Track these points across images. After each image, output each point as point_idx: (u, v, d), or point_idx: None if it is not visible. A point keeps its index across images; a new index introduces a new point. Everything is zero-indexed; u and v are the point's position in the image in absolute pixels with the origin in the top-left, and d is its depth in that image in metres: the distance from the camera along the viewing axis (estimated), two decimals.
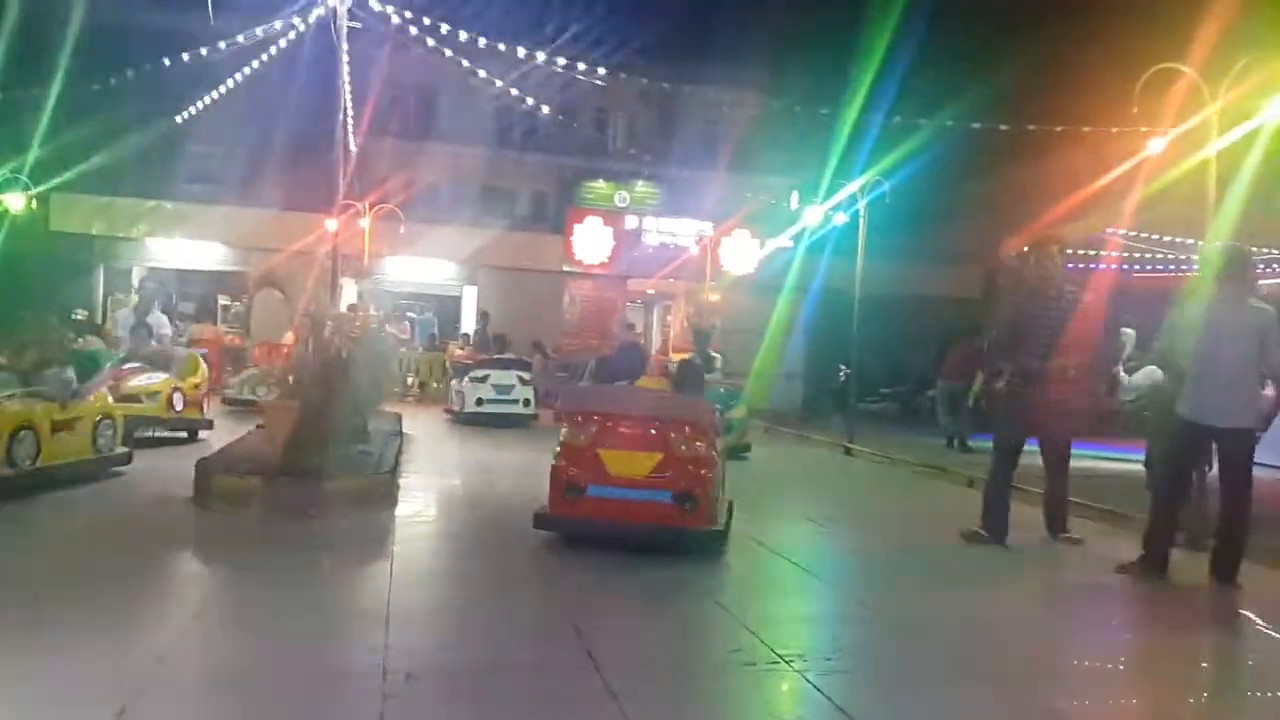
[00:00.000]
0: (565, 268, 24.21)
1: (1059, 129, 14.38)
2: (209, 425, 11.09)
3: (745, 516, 7.43)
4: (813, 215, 20.02)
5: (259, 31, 13.53)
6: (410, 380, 18.96)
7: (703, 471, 6.10)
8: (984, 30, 20.47)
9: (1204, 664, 4.75)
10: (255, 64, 15.01)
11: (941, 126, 15.40)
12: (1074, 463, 7.13)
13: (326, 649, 4.07)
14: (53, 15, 17.23)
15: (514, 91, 15.78)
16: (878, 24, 16.43)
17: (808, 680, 3.92)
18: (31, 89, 16.76)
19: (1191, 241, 12.27)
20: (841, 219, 16.30)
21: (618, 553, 5.95)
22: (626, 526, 6.00)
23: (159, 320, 11.84)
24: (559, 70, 14.72)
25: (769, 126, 24.28)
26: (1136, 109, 10.26)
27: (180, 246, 22.07)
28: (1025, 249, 6.88)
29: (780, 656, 4.17)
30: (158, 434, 10.20)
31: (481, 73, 14.74)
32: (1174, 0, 10.85)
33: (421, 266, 23.04)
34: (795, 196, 26.00)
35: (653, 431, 6.20)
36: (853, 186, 13.69)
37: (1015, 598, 5.76)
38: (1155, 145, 10.66)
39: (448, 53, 13.25)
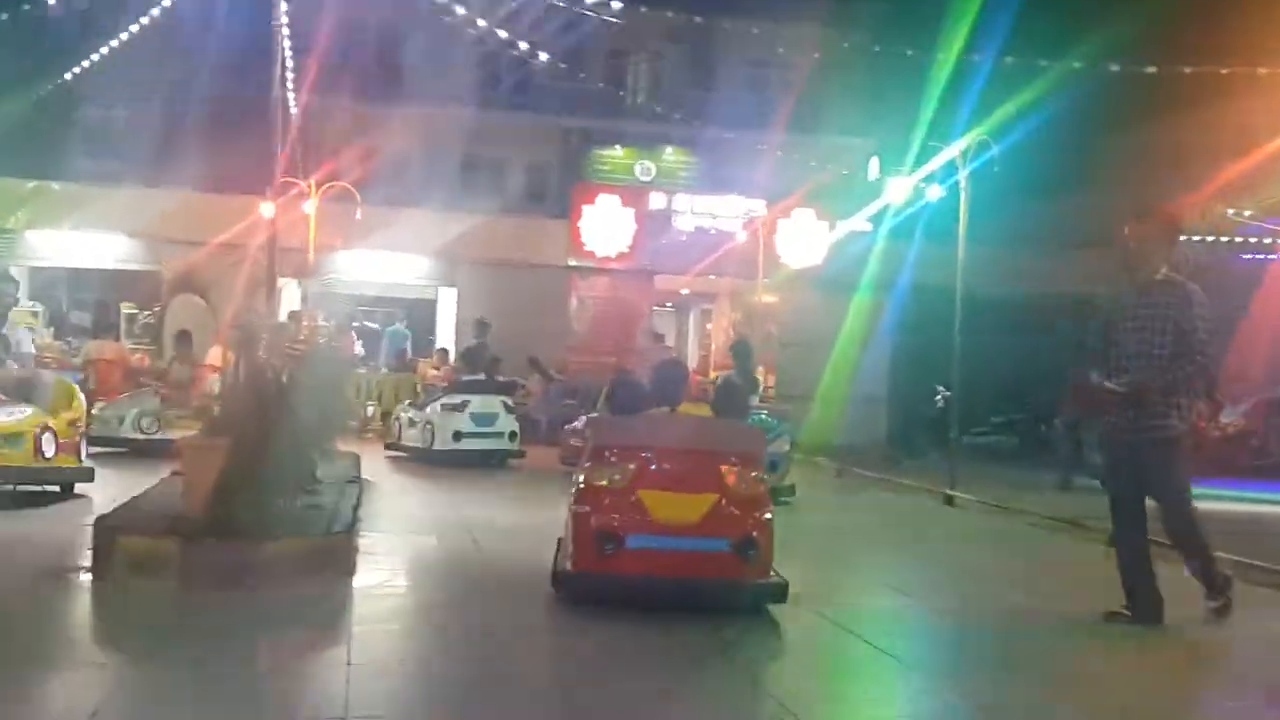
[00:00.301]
0: (572, 261, 24.34)
1: (1226, 70, 14.26)
2: (88, 476, 10.64)
3: (813, 585, 7.41)
4: (898, 189, 20.01)
5: None
6: (370, 410, 19.13)
7: (763, 514, 6.43)
8: None
9: None
10: (166, 4, 15.29)
11: (1068, 69, 15.32)
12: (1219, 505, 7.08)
13: None
14: None
15: (501, 34, 15.93)
16: None
17: None
18: None
19: None
20: (936, 193, 16.29)
21: (635, 629, 6.01)
22: (676, 583, 6.26)
23: (19, 336, 11.87)
24: (560, 4, 14.86)
25: (838, 72, 24.33)
26: None
27: (72, 239, 22.44)
28: (1127, 227, 6.76)
29: None
30: (17, 489, 9.72)
31: (459, 9, 14.91)
32: None
33: (385, 262, 23.25)
34: (874, 164, 26.06)
35: (705, 468, 6.49)
36: (951, 151, 13.69)
37: (1153, 694, 5.70)
38: None
39: None
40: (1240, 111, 15.96)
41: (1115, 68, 14.99)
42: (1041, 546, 10.82)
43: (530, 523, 9.46)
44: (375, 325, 25.34)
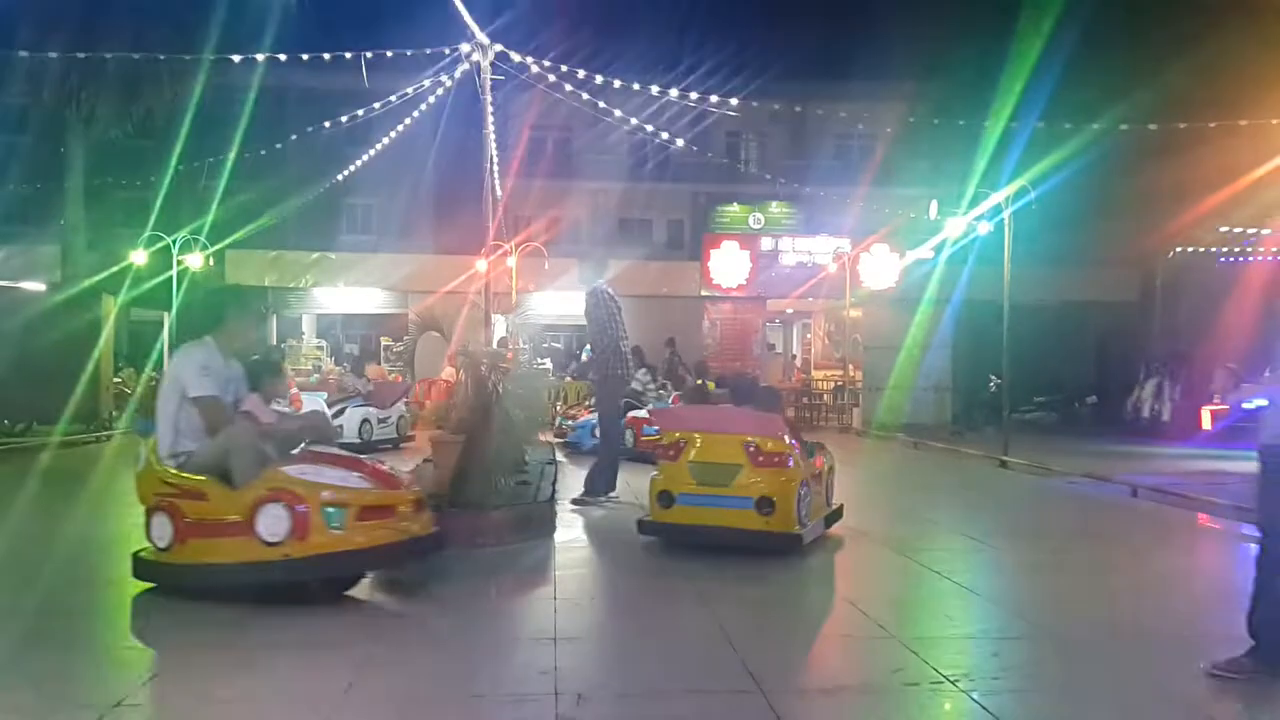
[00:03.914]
0: (703, 292, 24.38)
1: (1212, 125, 13.53)
2: None
3: (896, 531, 7.29)
4: (954, 226, 19.48)
5: (410, 90, 14.37)
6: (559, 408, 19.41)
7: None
8: (1129, 23, 19.53)
9: None
10: (407, 121, 15.91)
11: (1088, 129, 14.73)
12: None
13: (500, 671, 4.26)
14: (219, 86, 18.77)
15: (648, 128, 16.10)
16: (1018, 29, 15.93)
17: (975, 700, 3.85)
18: (206, 158, 18.31)
19: None
20: (985, 228, 15.82)
21: (761, 568, 6.00)
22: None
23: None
24: (690, 105, 14.93)
25: (905, 139, 23.85)
26: None
27: (343, 293, 23.53)
28: None
29: (945, 677, 4.10)
30: None
31: (617, 112, 15.12)
32: None
33: (565, 299, 23.67)
34: (934, 206, 25.33)
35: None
36: (997, 197, 13.27)
37: (1184, 604, 5.43)
38: None
39: (584, 96, 13.68)
40: (1223, 150, 15.13)
41: (1125, 127, 14.37)
42: (1078, 499, 10.40)
43: None
44: (559, 345, 25.81)
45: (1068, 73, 16.86)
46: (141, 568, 5.29)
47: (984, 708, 3.76)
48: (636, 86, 13.91)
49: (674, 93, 14.32)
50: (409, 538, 5.13)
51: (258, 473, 4.99)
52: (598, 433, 10.36)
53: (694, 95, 14.34)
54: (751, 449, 6.49)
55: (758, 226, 26.36)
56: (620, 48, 17.97)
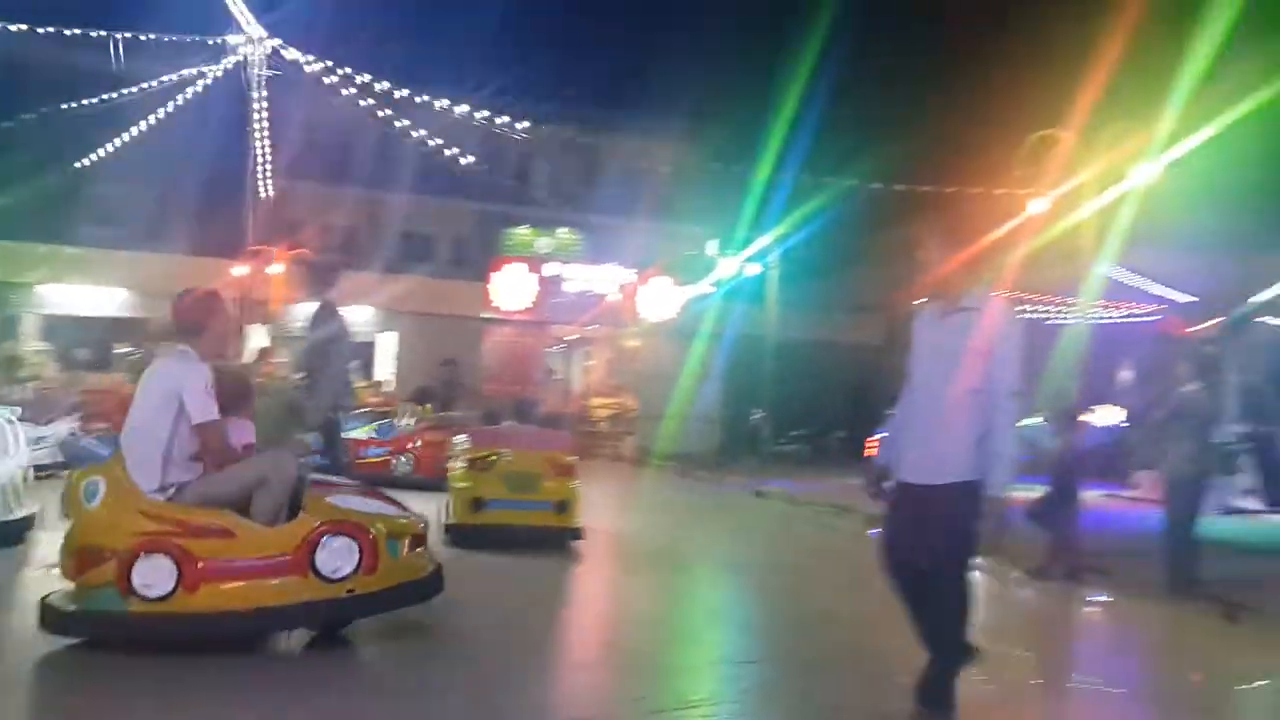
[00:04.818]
0: (486, 314, 24.16)
1: (949, 190, 15.12)
2: None
3: (655, 559, 7.50)
4: (728, 265, 20.48)
5: (172, 77, 13.36)
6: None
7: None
8: (887, 94, 21.47)
9: None
10: (166, 108, 14.78)
11: (845, 185, 16.00)
12: None
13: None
14: None
15: (433, 141, 15.85)
16: (787, 84, 17.04)
17: None
18: None
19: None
20: (755, 269, 16.77)
21: (517, 594, 5.99)
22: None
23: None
24: (481, 123, 14.86)
25: (689, 177, 24.82)
26: (1019, 172, 10.95)
27: (79, 292, 21.28)
28: None
29: (687, 703, 4.23)
30: None
31: (404, 121, 14.79)
32: (1052, 75, 11.63)
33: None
34: (712, 245, 26.56)
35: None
36: (764, 240, 14.12)
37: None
38: (1036, 205, 11.39)
39: (367, 101, 13.27)
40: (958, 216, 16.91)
41: (876, 185, 15.77)
42: (821, 526, 11.10)
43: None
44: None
45: (826, 130, 18.25)
46: (97, 624, 4.34)
47: None
48: (422, 99, 13.66)
49: (462, 109, 14.20)
50: (437, 566, 4.86)
51: (283, 507, 4.48)
52: None
53: (484, 113, 14.27)
54: (552, 462, 7.93)
55: (545, 251, 26.48)
56: (418, 58, 17.63)
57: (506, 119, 14.88)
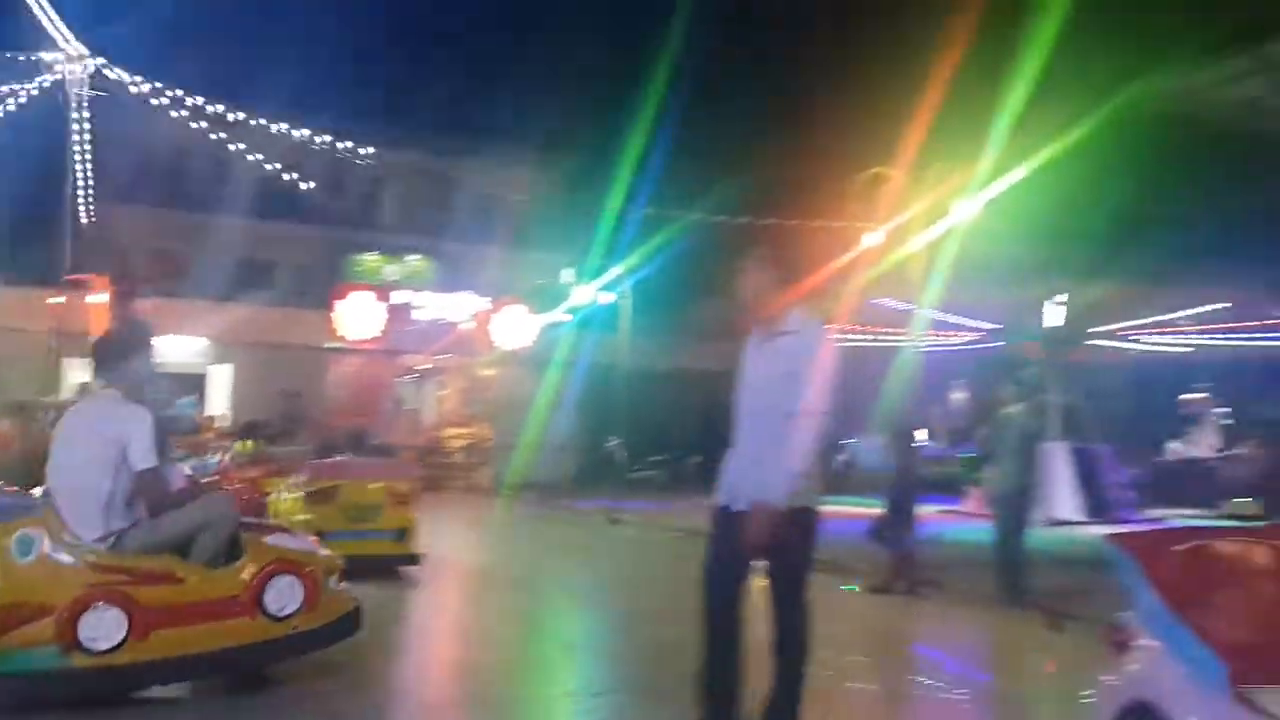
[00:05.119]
0: (331, 344, 23.35)
1: (792, 222, 15.80)
2: None
3: (509, 590, 7.41)
4: (582, 294, 20.62)
5: None
6: None
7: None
8: (734, 131, 22.31)
9: None
10: None
11: (692, 218, 16.48)
12: None
13: None
14: None
15: (270, 166, 15.29)
16: (638, 118, 17.43)
17: None
18: None
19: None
20: (609, 298, 16.96)
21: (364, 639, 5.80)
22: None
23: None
24: (322, 146, 14.45)
25: (544, 206, 24.91)
26: (853, 206, 11.64)
27: None
28: None
29: None
30: None
31: (239, 145, 14.20)
32: (884, 117, 12.42)
33: (168, 344, 21.33)
34: (568, 274, 26.69)
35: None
36: (618, 269, 14.34)
37: None
38: (871, 238, 12.13)
39: (200, 124, 12.68)
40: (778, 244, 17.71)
41: (720, 218, 16.33)
42: (673, 551, 11.24)
43: None
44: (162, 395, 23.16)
45: (677, 163, 18.76)
46: (32, 685, 4.09)
47: None
48: (261, 122, 13.17)
49: (303, 133, 13.77)
50: (358, 602, 4.96)
51: (223, 549, 4.50)
52: None
53: (325, 137, 13.88)
54: (390, 491, 8.08)
55: (395, 279, 25.90)
56: (258, 80, 16.92)
57: (349, 144, 14.51)
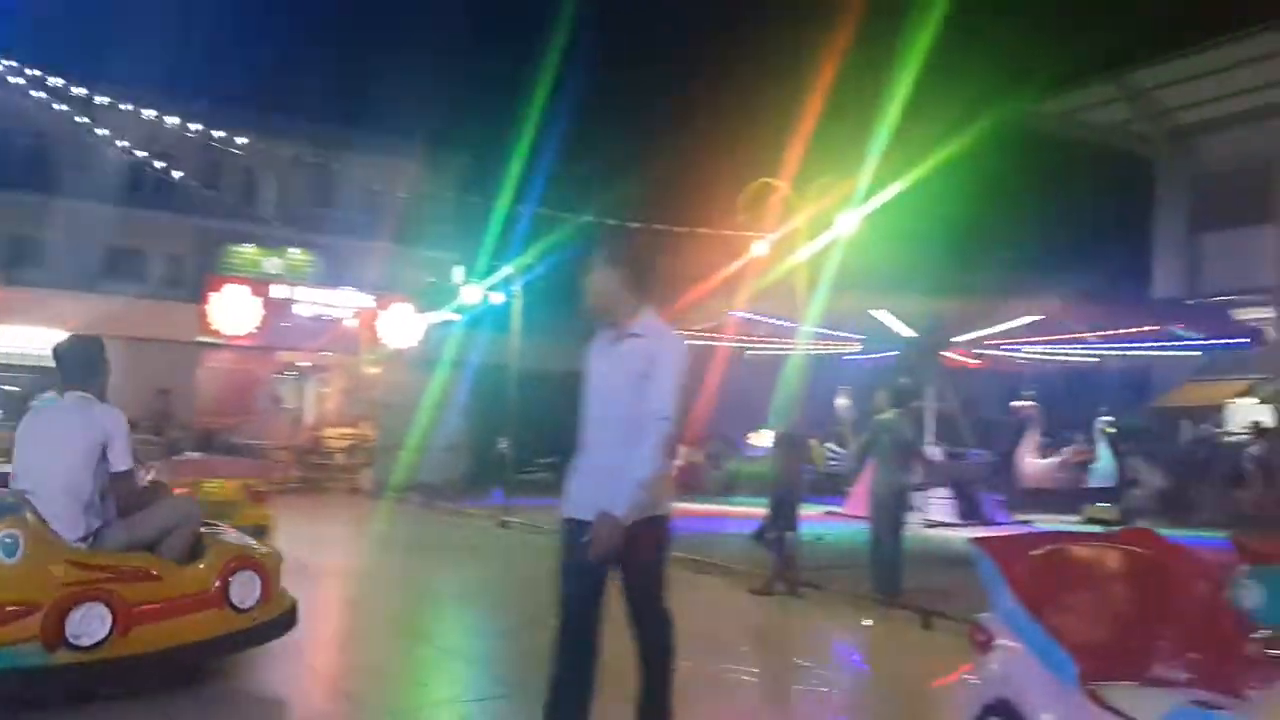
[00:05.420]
0: (204, 338, 22.37)
1: (682, 230, 16.04)
2: None
3: (387, 595, 7.25)
4: (471, 293, 20.38)
5: None
6: None
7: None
8: (625, 136, 22.45)
9: None
10: None
11: (582, 220, 16.52)
12: None
13: None
14: None
15: (140, 153, 14.57)
16: (529, 118, 17.37)
17: None
18: None
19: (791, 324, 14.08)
20: (499, 298, 16.82)
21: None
22: None
23: None
24: (194, 134, 13.84)
25: (432, 203, 24.52)
26: (742, 216, 11.92)
27: None
28: None
29: None
30: None
31: (103, 131, 13.48)
32: (774, 130, 12.76)
33: (22, 336, 20.06)
34: (458, 272, 26.35)
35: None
36: (508, 269, 14.24)
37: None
38: (758, 247, 12.46)
39: (61, 106, 11.97)
40: (696, 254, 17.96)
41: (613, 221, 16.43)
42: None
43: None
44: (16, 389, 21.78)
45: (567, 165, 18.80)
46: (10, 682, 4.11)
47: None
48: (129, 107, 12.51)
49: (173, 120, 13.15)
50: (293, 597, 5.24)
51: (189, 546, 4.79)
52: None
53: (197, 126, 13.30)
54: (249, 489, 8.22)
55: (274, 272, 25.07)
56: (129, 62, 16.09)
57: (223, 133, 13.94)
